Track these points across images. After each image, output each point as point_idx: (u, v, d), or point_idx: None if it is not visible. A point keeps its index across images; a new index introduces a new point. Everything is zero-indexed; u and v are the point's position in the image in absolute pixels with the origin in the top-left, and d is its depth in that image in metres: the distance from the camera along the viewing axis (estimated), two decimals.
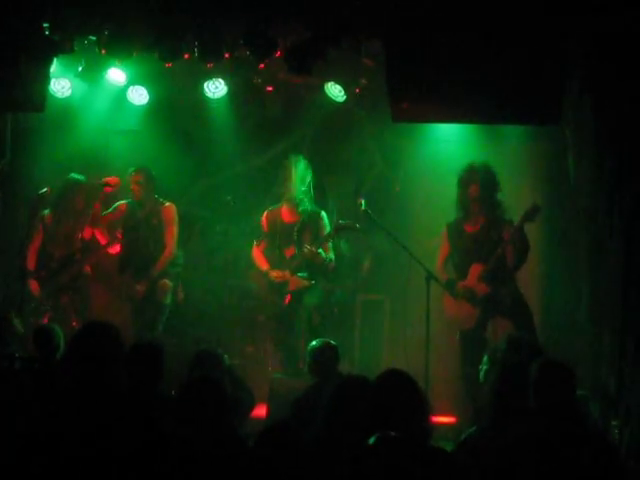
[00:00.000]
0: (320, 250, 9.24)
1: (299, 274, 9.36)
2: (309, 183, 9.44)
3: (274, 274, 9.42)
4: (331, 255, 9.38)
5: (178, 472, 4.56)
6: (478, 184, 8.70)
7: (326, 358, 7.00)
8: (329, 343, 7.15)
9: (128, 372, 5.69)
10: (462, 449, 5.13)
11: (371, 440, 4.24)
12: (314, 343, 7.15)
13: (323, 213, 9.50)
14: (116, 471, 4.57)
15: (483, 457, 4.83)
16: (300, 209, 9.42)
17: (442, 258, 9.01)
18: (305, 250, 9.22)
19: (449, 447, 5.29)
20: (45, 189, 9.05)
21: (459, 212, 8.90)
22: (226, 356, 7.01)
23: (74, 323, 9.17)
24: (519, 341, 6.51)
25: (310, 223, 9.41)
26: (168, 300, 9.56)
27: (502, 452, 4.81)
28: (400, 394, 4.66)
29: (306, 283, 9.36)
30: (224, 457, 4.64)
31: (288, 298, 9.36)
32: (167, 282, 9.58)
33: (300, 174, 9.36)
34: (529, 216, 8.49)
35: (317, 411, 5.07)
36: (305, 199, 9.42)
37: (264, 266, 9.54)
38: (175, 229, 9.69)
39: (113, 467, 4.59)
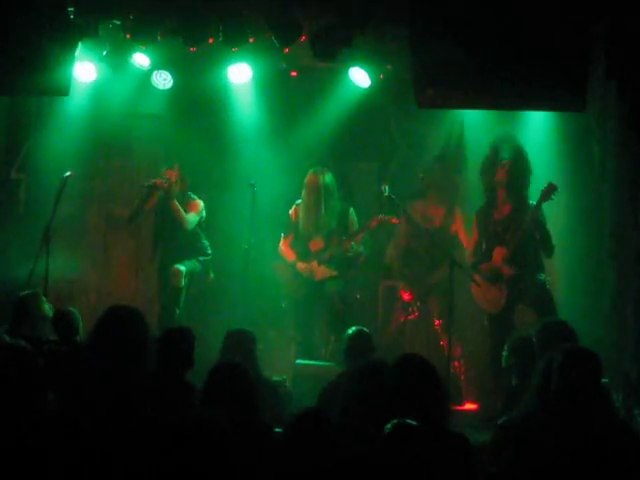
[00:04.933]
0: (353, 244, 9.27)
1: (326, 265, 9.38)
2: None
3: (301, 265, 9.44)
4: (361, 248, 9.38)
5: (203, 457, 4.57)
6: (506, 168, 8.63)
7: (362, 343, 7.04)
8: (364, 330, 7.20)
9: (158, 356, 5.76)
10: (501, 433, 5.09)
11: (388, 427, 4.24)
12: (350, 331, 7.19)
13: (351, 210, 9.51)
14: (142, 453, 4.58)
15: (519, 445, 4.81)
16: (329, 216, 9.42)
17: (473, 245, 8.93)
18: (345, 246, 9.24)
19: (472, 434, 5.29)
20: (69, 172, 9.05)
21: (486, 199, 8.83)
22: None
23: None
24: (554, 328, 6.48)
25: (340, 223, 9.40)
26: (182, 284, 9.58)
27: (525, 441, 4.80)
28: (415, 378, 4.68)
29: (332, 273, 9.37)
30: (249, 442, 4.65)
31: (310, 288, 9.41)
32: (178, 267, 9.60)
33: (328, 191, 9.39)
34: (546, 196, 8.32)
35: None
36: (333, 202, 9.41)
37: (291, 258, 9.57)
38: (194, 215, 9.76)
39: (139, 450, 4.61)
